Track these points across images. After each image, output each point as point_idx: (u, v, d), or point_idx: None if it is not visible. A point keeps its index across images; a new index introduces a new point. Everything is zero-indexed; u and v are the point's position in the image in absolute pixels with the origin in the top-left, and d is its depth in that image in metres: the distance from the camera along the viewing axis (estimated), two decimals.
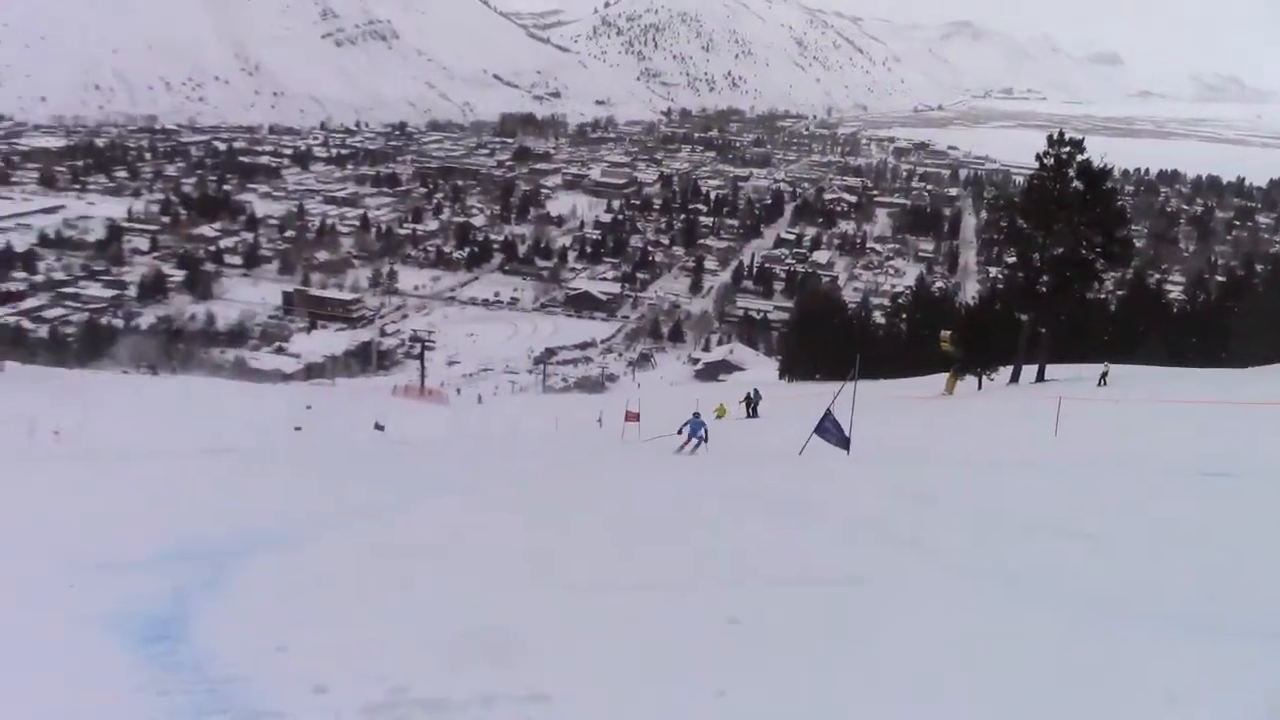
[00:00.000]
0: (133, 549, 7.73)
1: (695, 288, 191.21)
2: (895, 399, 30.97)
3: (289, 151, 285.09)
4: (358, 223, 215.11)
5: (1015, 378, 39.22)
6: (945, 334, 42.33)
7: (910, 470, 14.13)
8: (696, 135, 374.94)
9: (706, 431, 19.59)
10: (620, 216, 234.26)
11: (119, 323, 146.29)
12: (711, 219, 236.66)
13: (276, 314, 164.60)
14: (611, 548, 8.65)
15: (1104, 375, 32.61)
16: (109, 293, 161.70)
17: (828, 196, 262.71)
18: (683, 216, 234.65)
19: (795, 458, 16.11)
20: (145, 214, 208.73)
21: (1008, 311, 41.61)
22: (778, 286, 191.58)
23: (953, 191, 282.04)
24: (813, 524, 9.91)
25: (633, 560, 8.10)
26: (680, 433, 19.83)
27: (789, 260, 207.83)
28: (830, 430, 15.66)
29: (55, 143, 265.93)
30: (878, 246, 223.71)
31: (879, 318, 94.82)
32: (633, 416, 28.94)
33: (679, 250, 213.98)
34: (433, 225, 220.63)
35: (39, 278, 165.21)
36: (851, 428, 15.62)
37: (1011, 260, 39.89)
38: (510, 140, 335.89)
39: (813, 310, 77.73)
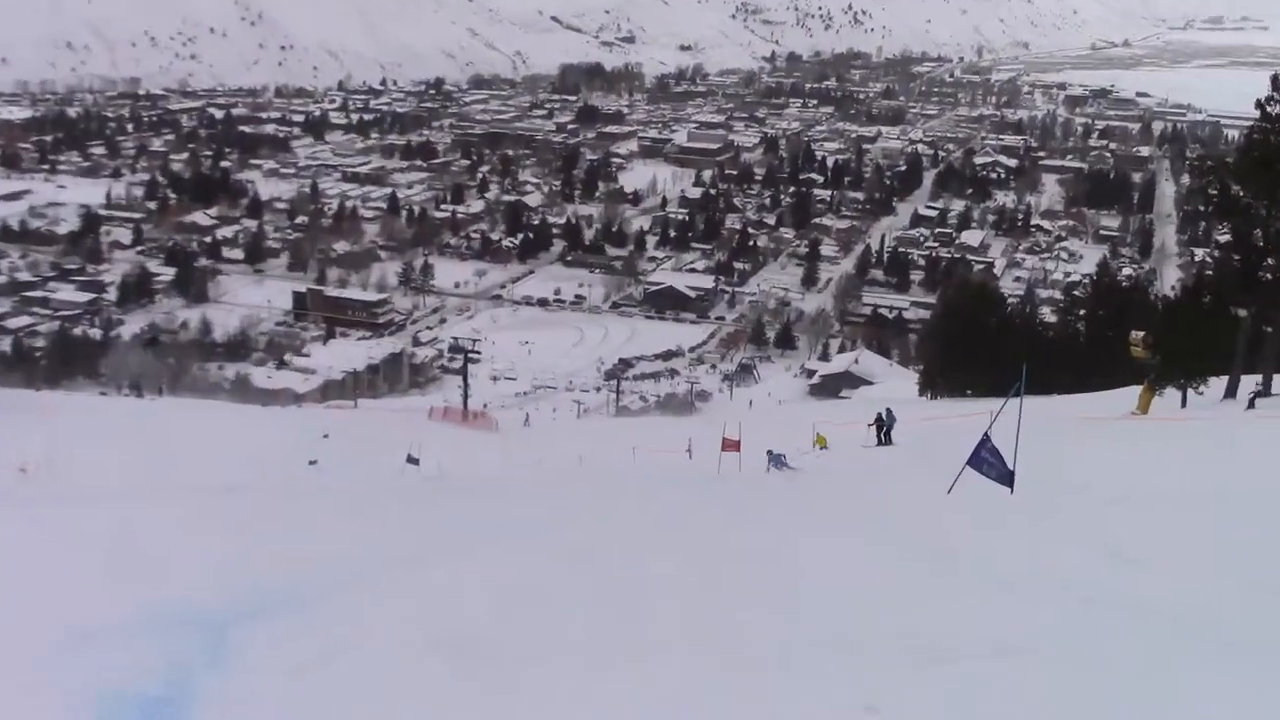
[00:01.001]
0: (115, 613, 7.86)
1: (809, 280, 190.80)
2: (1072, 420, 30.41)
3: (300, 119, 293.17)
4: (384, 205, 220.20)
5: (1231, 392, 37.90)
6: (1137, 335, 41.33)
7: (1095, 513, 13.76)
8: (808, 86, 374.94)
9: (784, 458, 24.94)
10: (712, 191, 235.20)
11: (96, 333, 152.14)
12: (829, 192, 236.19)
13: (286, 320, 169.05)
14: (708, 612, 8.61)
15: (1256, 395, 31.82)
16: (84, 296, 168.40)
17: (979, 161, 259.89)
18: (792, 190, 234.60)
19: (941, 497, 15.87)
20: (127, 199, 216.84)
21: (1220, 305, 40.27)
22: (915, 277, 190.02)
23: (1144, 151, 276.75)
24: (967, 581, 9.85)
25: (737, 630, 8.07)
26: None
27: (930, 243, 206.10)
28: (988, 461, 15.38)
29: (19, 114, 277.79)
30: (1045, 224, 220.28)
31: (1049, 315, 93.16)
32: (732, 445, 28.90)
33: (788, 232, 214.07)
34: (477, 206, 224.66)
35: (0, 279, 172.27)
36: (1016, 458, 15.34)
37: (1224, 239, 38.78)
38: (573, 98, 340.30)
39: (962, 307, 76.68)
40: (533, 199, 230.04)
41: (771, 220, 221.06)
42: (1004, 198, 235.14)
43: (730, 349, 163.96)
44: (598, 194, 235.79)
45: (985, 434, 15.76)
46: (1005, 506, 14.46)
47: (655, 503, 18.40)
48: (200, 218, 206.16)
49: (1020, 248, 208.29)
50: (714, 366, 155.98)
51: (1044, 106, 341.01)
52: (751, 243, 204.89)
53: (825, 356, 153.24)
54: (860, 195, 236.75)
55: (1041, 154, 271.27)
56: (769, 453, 28.46)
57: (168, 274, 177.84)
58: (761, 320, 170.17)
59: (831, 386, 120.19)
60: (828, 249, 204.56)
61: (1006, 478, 15.43)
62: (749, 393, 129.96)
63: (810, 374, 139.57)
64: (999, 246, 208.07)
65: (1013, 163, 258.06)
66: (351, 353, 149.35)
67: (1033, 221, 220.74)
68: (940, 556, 11.10)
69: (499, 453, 48.59)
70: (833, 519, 14.92)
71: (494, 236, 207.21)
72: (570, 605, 9.02)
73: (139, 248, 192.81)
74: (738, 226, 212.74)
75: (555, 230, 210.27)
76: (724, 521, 15.40)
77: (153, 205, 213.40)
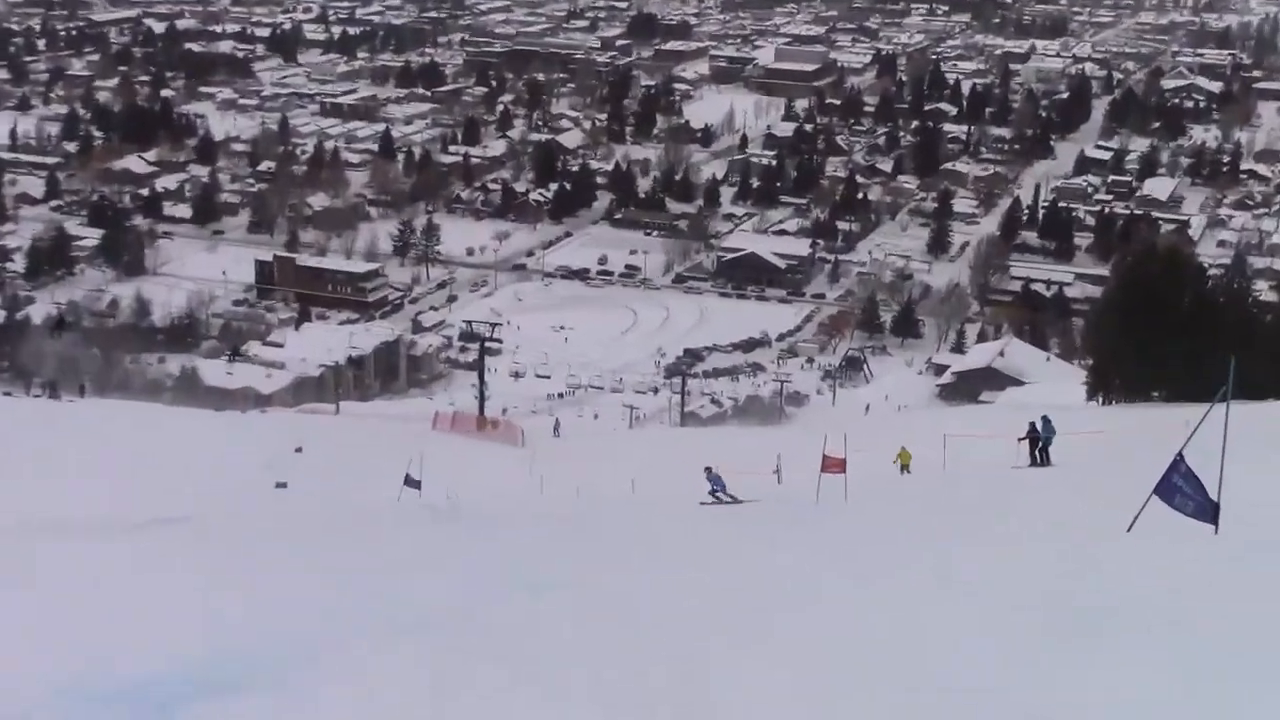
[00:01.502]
0: (28, 693, 7.91)
1: (938, 245, 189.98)
2: None
3: (264, 34, 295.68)
4: (375, 147, 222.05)
5: None
6: None
7: None
8: None
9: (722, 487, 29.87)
10: (808, 127, 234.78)
11: None
12: (964, 128, 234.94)
13: (247, 298, 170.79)
14: (821, 695, 8.72)
15: None
16: None
17: (1170, 84, 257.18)
18: (915, 125, 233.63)
19: (1121, 536, 15.69)
20: (38, 139, 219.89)
21: None
22: (1082, 241, 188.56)
23: None
24: (1151, 654, 9.80)
25: None
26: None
27: (1101, 195, 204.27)
28: (1182, 491, 15.14)
29: None
30: (1262, 168, 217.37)
31: (1266, 292, 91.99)
32: (835, 465, 28.77)
33: (909, 182, 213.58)
34: (496, 148, 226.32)
35: None
36: (1221, 486, 15.14)
37: None
38: (623, 5, 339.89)
39: (1146, 281, 75.89)
40: (570, 138, 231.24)
41: (887, 166, 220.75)
42: (1204, 134, 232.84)
43: (832, 337, 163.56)
44: (656, 132, 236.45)
45: (1179, 454, 15.52)
46: (1207, 552, 14.24)
47: (739, 558, 18.17)
48: (134, 163, 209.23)
49: (1226, 201, 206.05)
50: (810, 360, 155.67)
51: (1260, 9, 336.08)
52: (860, 195, 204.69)
53: (959, 347, 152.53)
54: (1006, 132, 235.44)
55: (1256, 75, 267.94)
56: (707, 471, 30.92)
57: (91, 237, 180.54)
58: (874, 299, 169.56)
59: (968, 387, 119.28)
60: (963, 204, 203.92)
61: (1208, 512, 15.18)
62: (857, 395, 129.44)
63: (939, 370, 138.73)
64: (1196, 199, 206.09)
65: (1216, 87, 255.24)
66: (332, 341, 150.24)
67: (1243, 166, 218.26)
68: (1120, 620, 10.95)
69: (524, 475, 48.64)
70: (959, 564, 14.75)
71: (519, 188, 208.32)
72: (624, 677, 9.14)
73: (54, 203, 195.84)
74: (842, 174, 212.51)
75: (600, 180, 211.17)
76: (825, 565, 15.23)
77: (72, 147, 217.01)
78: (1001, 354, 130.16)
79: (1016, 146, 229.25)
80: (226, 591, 13.03)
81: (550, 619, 11.69)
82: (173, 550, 17.31)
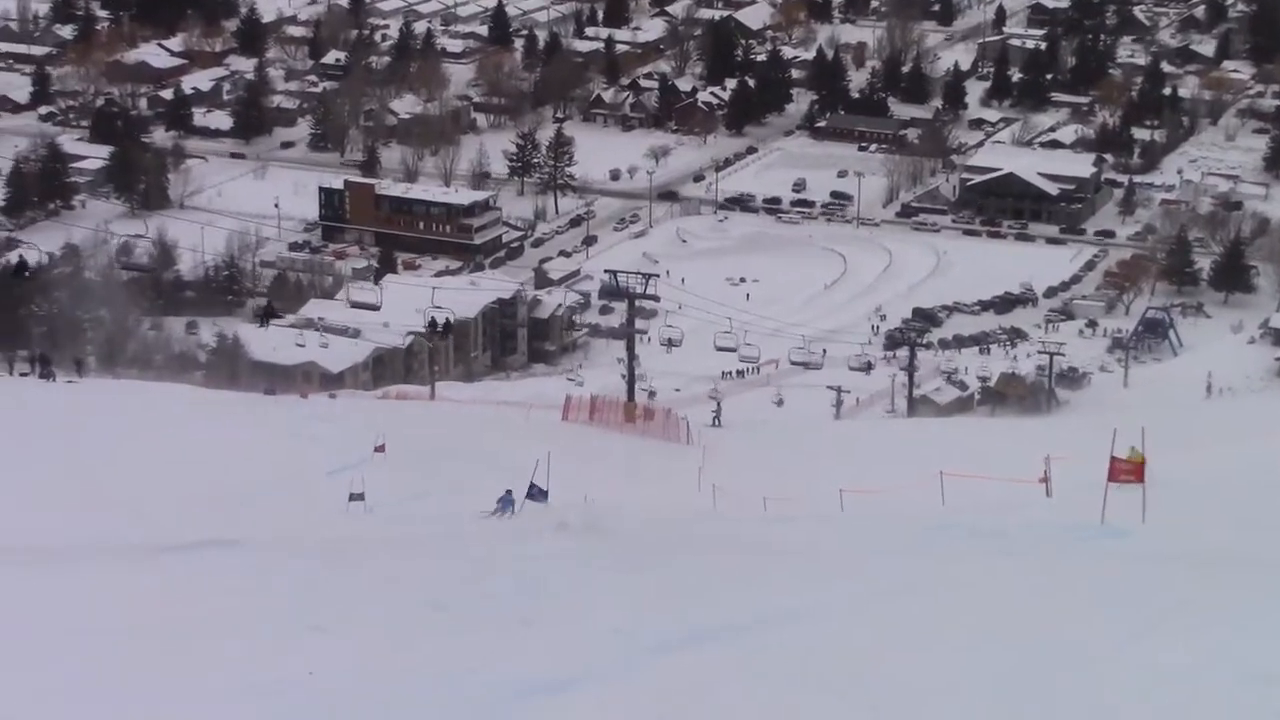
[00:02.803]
0: None
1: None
2: None
3: None
4: (484, 30, 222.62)
5: None
6: None
7: None
8: None
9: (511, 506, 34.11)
10: None
11: None
12: None
13: (309, 240, 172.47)
14: None
15: None
16: None
17: None
18: None
19: None
20: (21, 20, 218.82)
21: None
22: None
23: None
24: None
25: None
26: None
27: None
28: None
29: None
30: None
31: None
32: (1127, 471, 28.11)
33: (1236, 70, 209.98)
34: (651, 30, 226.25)
35: None
36: None
37: None
38: None
39: None
40: (754, 15, 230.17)
41: (1207, 48, 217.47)
42: None
43: (1124, 291, 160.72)
44: (875, 5, 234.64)
45: None
46: None
47: (1000, 608, 17.48)
48: (153, 54, 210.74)
49: None
50: (1092, 324, 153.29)
51: None
52: (1168, 91, 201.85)
53: None
54: None
55: None
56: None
57: (95, 157, 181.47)
58: (1185, 238, 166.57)
59: None
60: None
61: None
62: (1160, 372, 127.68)
63: None
64: None
65: None
66: (425, 298, 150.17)
67: None
68: None
69: (690, 483, 48.27)
70: None
71: (683, 86, 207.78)
72: None
73: (43, 109, 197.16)
74: (1141, 61, 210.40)
75: (796, 74, 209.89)
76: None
77: (67, 32, 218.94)
78: None
79: None
80: (269, 661, 13.08)
81: (731, 679, 11.81)
82: (196, 589, 17.64)
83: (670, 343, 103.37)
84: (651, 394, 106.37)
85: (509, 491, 34.69)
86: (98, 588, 17.60)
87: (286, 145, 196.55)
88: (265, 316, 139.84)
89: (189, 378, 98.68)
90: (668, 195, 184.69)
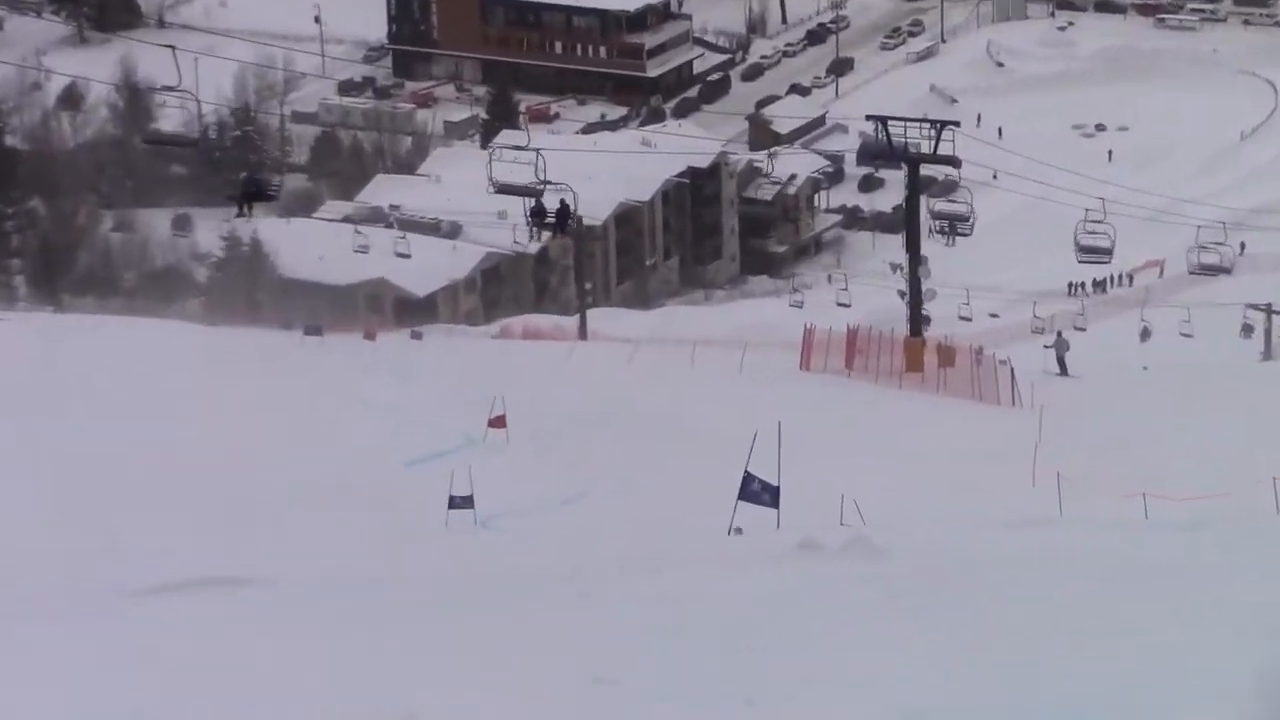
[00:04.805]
0: None
1: None
2: None
3: None
4: None
5: None
6: None
7: None
8: None
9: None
10: None
11: None
12: None
13: (368, 75, 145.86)
14: None
15: None
16: None
17: None
18: None
19: None
20: None
21: None
22: None
23: None
24: None
25: None
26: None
27: None
28: None
29: None
30: None
31: None
32: None
33: None
34: None
35: None
36: None
37: None
38: None
39: None
40: None
41: None
42: None
43: None
44: None
45: None
46: None
47: None
48: None
49: None
50: None
51: None
52: None
53: None
54: None
55: None
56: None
57: None
58: None
59: None
60: None
61: None
62: None
63: None
64: None
65: None
66: (568, 167, 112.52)
67: None
68: None
69: (1019, 471, 37.85)
70: None
71: None
72: None
73: None
74: None
75: None
76: None
77: None
78: None
79: None
80: None
81: None
82: (229, 655, 13.18)
83: (944, 231, 66.35)
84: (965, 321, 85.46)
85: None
86: (43, 663, 12.98)
87: None
88: (246, 196, 57.52)
89: (181, 308, 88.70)
90: None
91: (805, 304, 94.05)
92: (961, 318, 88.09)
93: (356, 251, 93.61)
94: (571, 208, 50.37)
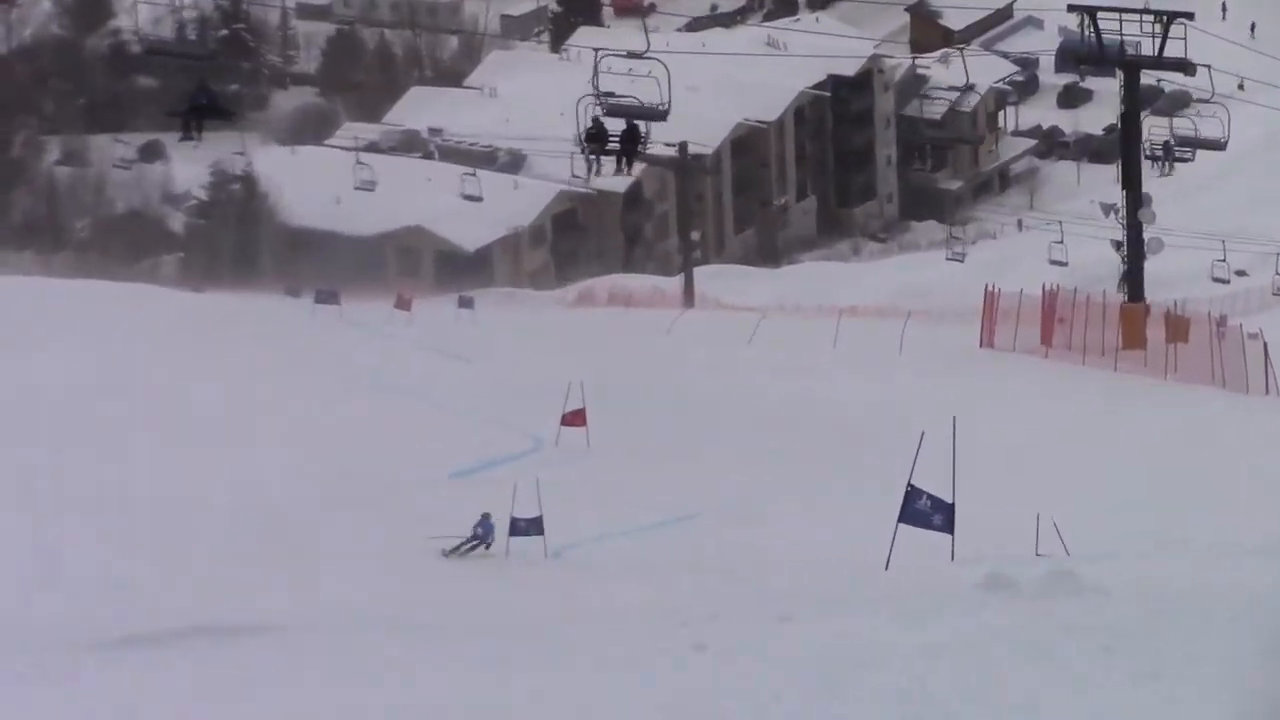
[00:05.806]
0: None
1: None
2: None
3: None
4: None
5: None
6: None
7: None
8: None
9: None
10: None
11: None
12: None
13: None
14: None
15: None
16: None
17: None
18: None
19: None
20: None
21: None
22: None
23: None
24: None
25: None
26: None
27: None
28: None
29: None
30: None
31: None
32: None
33: None
34: None
35: None
36: None
37: None
38: None
39: None
40: None
41: None
42: None
43: None
44: None
45: None
46: None
47: None
48: None
49: None
50: None
51: None
52: None
53: None
54: None
55: None
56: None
57: None
58: None
59: None
60: None
61: None
62: None
63: None
64: None
65: None
66: (701, 76, 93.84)
67: None
68: None
69: (1273, 481, 32.53)
70: None
71: None
72: None
73: None
74: None
75: None
76: None
77: None
78: None
79: None
80: None
81: None
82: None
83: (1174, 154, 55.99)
84: (1220, 284, 70.94)
85: (486, 515, 27.31)
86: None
87: None
88: (195, 111, 41.66)
89: (151, 267, 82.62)
90: None
91: (967, 258, 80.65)
92: (1216, 278, 72.80)
93: (358, 189, 75.09)
94: (644, 131, 39.74)
